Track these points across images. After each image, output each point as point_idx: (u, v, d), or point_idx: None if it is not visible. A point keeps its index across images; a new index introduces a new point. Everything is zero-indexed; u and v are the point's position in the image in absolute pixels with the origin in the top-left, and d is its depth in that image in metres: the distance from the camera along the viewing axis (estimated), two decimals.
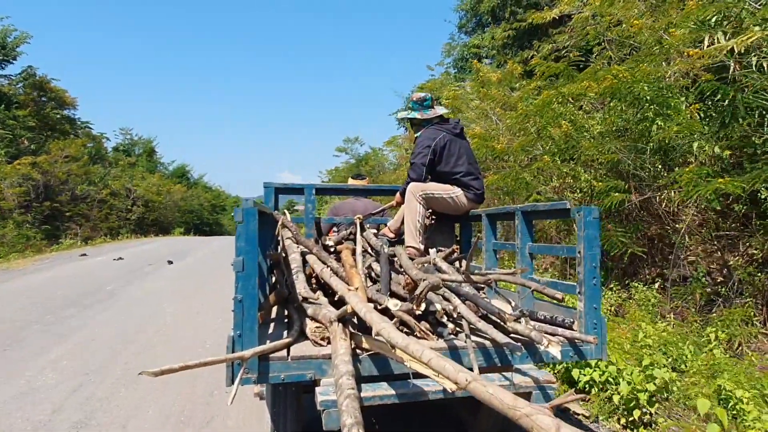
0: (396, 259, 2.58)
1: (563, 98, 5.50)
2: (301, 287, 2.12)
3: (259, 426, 2.91)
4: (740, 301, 3.95)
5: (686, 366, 3.30)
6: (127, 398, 3.32)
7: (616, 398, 2.88)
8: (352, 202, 4.07)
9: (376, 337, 1.73)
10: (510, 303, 2.60)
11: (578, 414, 3.06)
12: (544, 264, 6.31)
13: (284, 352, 1.78)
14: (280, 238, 2.82)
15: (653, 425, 2.79)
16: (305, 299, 2.06)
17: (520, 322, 1.96)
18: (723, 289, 4.17)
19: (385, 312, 1.90)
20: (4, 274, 9.11)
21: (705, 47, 4.04)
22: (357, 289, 2.04)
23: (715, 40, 3.99)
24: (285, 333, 1.99)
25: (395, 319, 1.88)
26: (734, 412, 2.63)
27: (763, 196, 3.88)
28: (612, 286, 5.01)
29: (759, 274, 3.94)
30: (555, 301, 2.54)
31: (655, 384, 2.78)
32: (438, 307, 2.02)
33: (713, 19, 4.10)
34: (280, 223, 2.73)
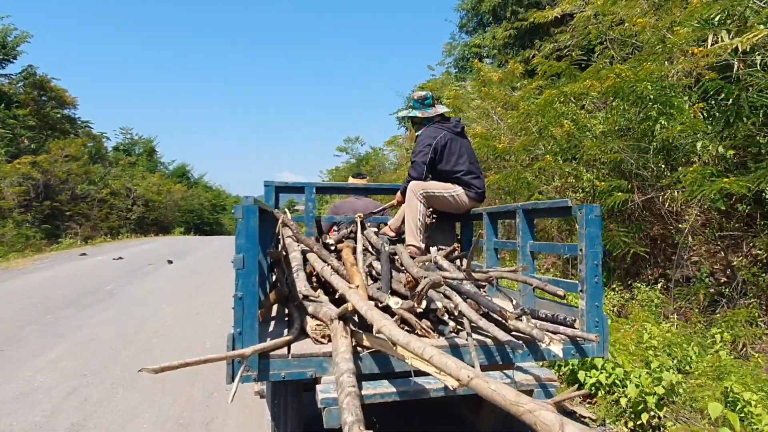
0: (397, 257, 2.57)
1: (565, 97, 5.49)
2: (302, 285, 2.10)
3: (259, 428, 2.87)
4: (744, 302, 3.92)
5: (691, 367, 3.26)
6: (125, 400, 3.28)
7: (623, 401, 2.83)
8: (353, 201, 4.06)
9: (376, 335, 1.72)
10: (511, 301, 2.59)
11: (585, 417, 3.02)
12: (545, 264, 6.30)
13: (285, 350, 1.77)
14: (280, 236, 2.81)
15: (661, 429, 2.74)
16: (306, 297, 2.04)
17: (521, 320, 1.95)
18: (727, 290, 4.14)
19: (386, 310, 1.89)
20: (3, 274, 9.10)
21: (709, 46, 4.02)
22: (358, 287, 2.02)
23: (719, 39, 3.97)
24: (285, 331, 1.97)
25: (396, 317, 1.87)
26: (742, 414, 2.60)
27: (767, 196, 3.87)
28: (614, 286, 4.98)
29: (763, 275, 3.92)
30: (556, 299, 2.54)
31: (663, 387, 2.74)
32: (439, 305, 2.01)
33: (717, 18, 4.08)
34: (280, 221, 2.72)
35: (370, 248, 2.92)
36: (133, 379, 3.65)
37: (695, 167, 3.86)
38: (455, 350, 1.85)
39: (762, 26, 3.57)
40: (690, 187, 3.68)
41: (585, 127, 5.32)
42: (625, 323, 3.98)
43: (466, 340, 1.84)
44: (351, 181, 4.42)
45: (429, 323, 2.02)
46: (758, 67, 3.80)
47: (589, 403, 3.20)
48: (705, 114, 4.32)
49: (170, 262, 10.67)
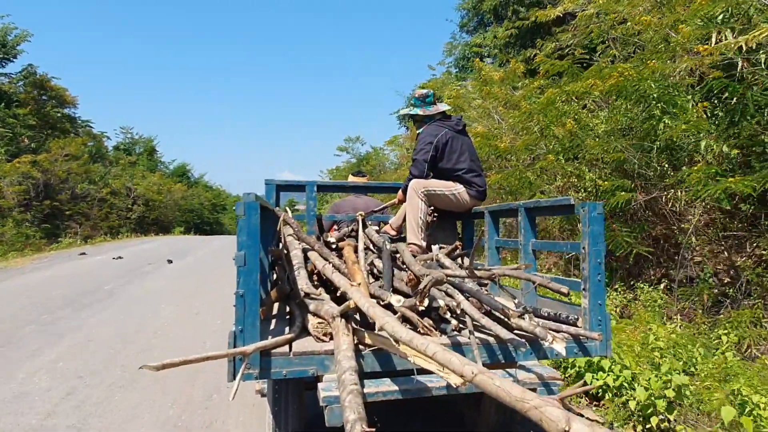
0: (398, 255, 2.56)
1: (567, 96, 5.47)
2: (303, 283, 2.09)
3: (260, 430, 2.84)
4: (748, 303, 3.88)
5: (696, 369, 3.22)
6: (122, 402, 3.24)
7: (632, 404, 2.78)
8: (353, 200, 4.06)
9: (378, 333, 1.71)
10: (514, 299, 2.57)
11: (592, 420, 2.99)
12: (546, 264, 6.29)
13: (286, 348, 1.75)
14: (281, 235, 2.80)
15: None
16: (307, 295, 2.03)
17: (523, 319, 1.94)
18: (730, 291, 4.11)
19: (388, 308, 1.88)
20: (2, 273, 9.08)
21: (713, 44, 4.00)
22: (359, 284, 2.01)
23: (723, 37, 3.96)
24: (287, 329, 1.96)
25: (398, 315, 1.86)
26: (751, 418, 2.55)
27: None
28: (617, 286, 4.95)
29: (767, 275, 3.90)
30: (559, 298, 2.52)
31: (674, 390, 2.70)
32: (441, 303, 1.99)
33: (720, 16, 4.06)
34: (281, 219, 2.71)
35: (371, 246, 2.91)
36: (133, 380, 3.62)
37: (699, 167, 3.83)
38: (457, 348, 1.84)
39: (766, 24, 3.55)
40: (695, 186, 3.66)
41: (587, 126, 5.30)
42: (629, 324, 3.95)
43: (469, 338, 1.83)
44: (351, 179, 4.41)
45: (431, 321, 2.00)
46: (763, 66, 3.78)
47: (596, 405, 3.16)
48: (708, 113, 4.30)
49: (170, 261, 10.66)
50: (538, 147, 6.01)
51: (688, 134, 4.13)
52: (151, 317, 5.58)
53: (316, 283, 2.38)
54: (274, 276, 2.78)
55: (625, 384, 2.97)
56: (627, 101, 4.73)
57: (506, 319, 1.94)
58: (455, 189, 3.20)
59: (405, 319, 1.89)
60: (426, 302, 1.93)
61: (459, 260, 2.79)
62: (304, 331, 1.92)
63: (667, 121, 4.30)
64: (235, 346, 1.65)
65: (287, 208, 3.45)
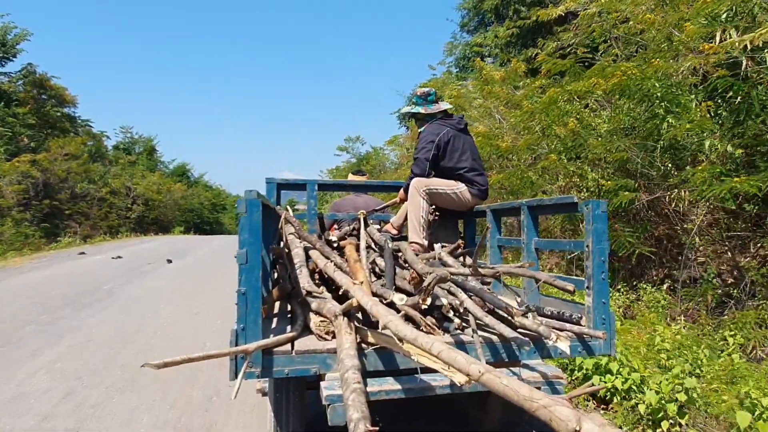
0: (400, 254, 2.54)
1: (569, 96, 5.46)
2: (305, 281, 2.07)
3: None
4: (753, 304, 3.85)
5: (701, 371, 3.17)
6: (121, 404, 3.21)
7: (641, 408, 2.73)
8: (353, 199, 4.04)
9: (382, 331, 1.69)
10: (517, 297, 2.55)
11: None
12: (548, 264, 6.27)
13: (288, 347, 1.74)
14: (282, 233, 2.79)
15: None
16: (309, 293, 2.01)
17: (527, 317, 1.92)
18: (735, 291, 4.08)
19: (390, 307, 1.86)
20: (1, 273, 9.05)
21: (717, 43, 3.98)
22: (362, 283, 1.99)
23: (727, 36, 3.93)
24: (289, 327, 1.94)
25: (401, 314, 1.84)
26: (761, 422, 2.50)
27: None
28: (620, 287, 4.93)
29: None
30: (562, 297, 2.51)
31: (686, 394, 2.66)
32: (444, 301, 1.98)
33: (725, 15, 4.04)
34: (282, 218, 2.69)
35: (373, 245, 2.89)
36: (132, 380, 3.60)
37: (704, 166, 3.80)
38: (460, 347, 1.82)
39: None
40: (699, 186, 3.63)
41: (590, 125, 5.28)
42: (633, 325, 3.91)
43: (472, 337, 1.81)
44: (351, 178, 4.40)
45: (434, 320, 1.99)
46: (767, 65, 3.76)
47: (604, 409, 3.12)
48: (712, 112, 4.28)
49: (170, 261, 10.64)
50: (539, 146, 5.99)
51: (692, 134, 4.10)
52: (150, 317, 5.56)
53: (317, 281, 2.36)
54: (275, 275, 2.76)
55: (634, 387, 2.92)
56: (630, 100, 4.70)
57: (510, 318, 1.93)
58: (457, 188, 3.18)
59: (407, 318, 1.87)
60: (429, 300, 1.91)
61: (461, 259, 2.77)
62: (306, 330, 1.90)
63: (670, 121, 4.28)
64: (237, 345, 1.63)
65: (288, 207, 3.44)
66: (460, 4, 14.18)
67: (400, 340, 1.51)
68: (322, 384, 1.64)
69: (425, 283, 1.81)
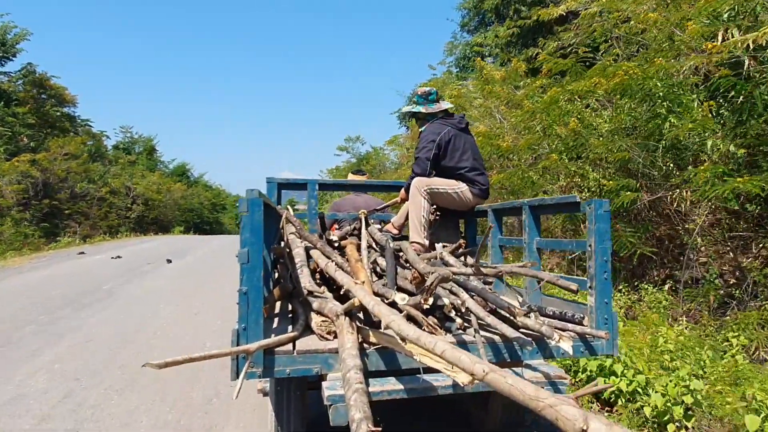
0: (401, 254, 2.53)
1: (570, 95, 5.45)
2: (306, 281, 2.06)
3: None
4: (755, 304, 3.84)
5: (705, 372, 3.15)
6: (120, 405, 3.18)
7: (647, 410, 2.70)
8: (353, 198, 4.04)
9: (384, 331, 1.68)
10: (519, 297, 2.55)
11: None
12: (549, 264, 6.26)
13: (290, 346, 1.73)
14: (283, 233, 2.78)
15: None
16: (310, 293, 2.00)
17: (529, 317, 1.91)
18: (737, 292, 4.06)
19: (392, 307, 1.85)
20: (0, 273, 9.05)
21: (719, 42, 3.96)
22: (363, 283, 1.98)
23: (730, 35, 3.92)
24: (290, 327, 1.93)
25: (402, 314, 1.83)
26: (766, 423, 2.49)
27: None
28: (621, 287, 4.91)
29: None
30: (564, 296, 2.50)
31: (693, 396, 2.62)
32: (446, 301, 1.97)
33: (727, 14, 4.03)
34: (284, 218, 2.68)
35: (374, 245, 2.89)
36: (132, 381, 3.58)
37: (706, 166, 3.79)
38: (462, 347, 1.80)
39: None
40: (702, 186, 3.62)
41: (591, 125, 5.26)
42: (635, 326, 3.89)
43: (474, 336, 1.80)
44: (351, 177, 4.40)
45: (435, 320, 1.98)
46: None
47: (608, 411, 3.09)
48: (714, 112, 4.26)
49: (169, 261, 10.62)
50: (540, 146, 5.98)
51: (694, 133, 4.09)
52: (150, 317, 5.54)
53: (318, 281, 2.36)
54: (277, 274, 2.75)
55: (639, 389, 2.89)
56: (631, 100, 4.69)
57: (512, 318, 1.92)
58: (458, 187, 3.17)
59: (409, 318, 1.86)
60: (431, 300, 1.90)
61: (462, 258, 2.76)
62: (307, 330, 1.89)
63: (672, 120, 4.26)
64: (238, 344, 1.62)
65: (289, 206, 3.43)
66: (460, 4, 14.19)
67: (403, 339, 1.50)
68: (324, 384, 1.63)
69: (427, 283, 1.80)
